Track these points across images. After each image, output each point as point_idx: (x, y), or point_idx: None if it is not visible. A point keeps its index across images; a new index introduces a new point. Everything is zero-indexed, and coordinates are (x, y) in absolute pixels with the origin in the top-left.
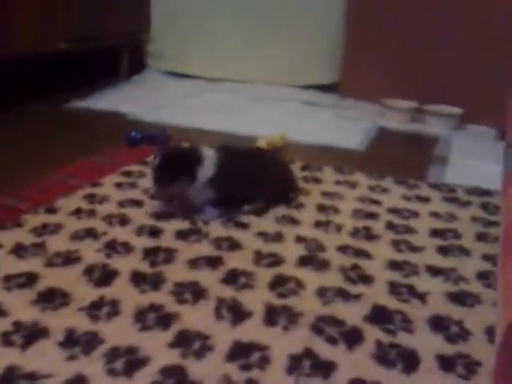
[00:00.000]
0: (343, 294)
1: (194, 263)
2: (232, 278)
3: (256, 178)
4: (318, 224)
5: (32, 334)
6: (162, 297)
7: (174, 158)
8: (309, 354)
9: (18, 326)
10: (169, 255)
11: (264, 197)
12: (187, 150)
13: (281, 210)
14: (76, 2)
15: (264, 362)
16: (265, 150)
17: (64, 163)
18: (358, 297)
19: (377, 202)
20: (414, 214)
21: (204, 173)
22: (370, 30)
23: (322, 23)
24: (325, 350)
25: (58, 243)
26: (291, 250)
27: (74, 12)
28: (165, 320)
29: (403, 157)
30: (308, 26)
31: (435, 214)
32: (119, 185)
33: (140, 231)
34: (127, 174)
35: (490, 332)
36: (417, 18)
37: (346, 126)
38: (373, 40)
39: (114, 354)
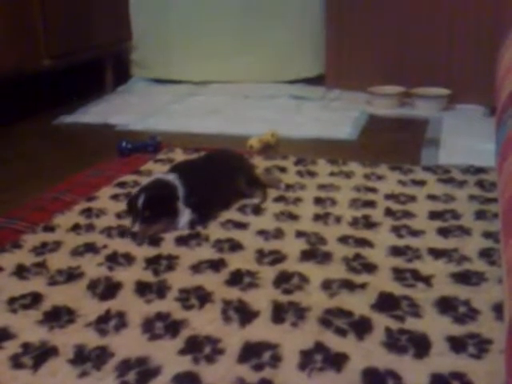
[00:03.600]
0: (348, 285)
1: (196, 268)
2: (236, 278)
3: (221, 180)
4: (317, 217)
5: (42, 354)
6: (168, 304)
7: (156, 198)
8: (320, 347)
9: (26, 347)
10: (171, 262)
11: (236, 193)
12: (164, 186)
13: (278, 207)
14: (56, 19)
15: (276, 360)
16: (218, 150)
17: (57, 179)
18: (363, 286)
19: (373, 190)
20: (412, 199)
21: (181, 204)
22: (350, 19)
23: (302, 17)
24: (335, 343)
25: (59, 261)
26: (292, 246)
27: (55, 28)
28: (173, 327)
29: (395, 142)
30: (289, 22)
31: (432, 197)
32: (115, 196)
33: (140, 241)
34: (122, 184)
35: (497, 309)
36: (396, 1)
37: (335, 117)
38: (354, 28)
39: (125, 366)
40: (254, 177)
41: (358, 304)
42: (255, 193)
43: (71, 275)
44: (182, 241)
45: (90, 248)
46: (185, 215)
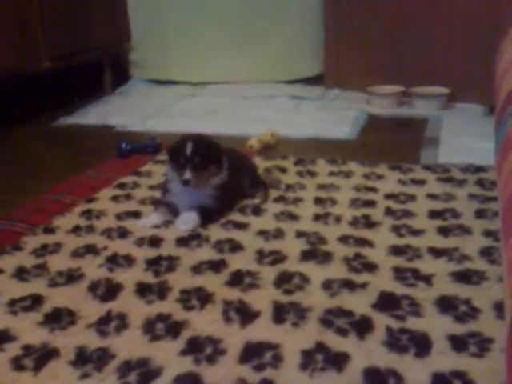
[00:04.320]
0: (349, 285)
1: (197, 269)
2: (237, 279)
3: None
4: (317, 217)
5: (43, 356)
6: (169, 305)
7: (204, 145)
8: (321, 347)
9: (27, 349)
10: (171, 263)
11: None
12: (209, 137)
13: (278, 207)
14: (55, 20)
15: (277, 360)
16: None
17: (57, 181)
18: (363, 286)
19: (373, 190)
20: (412, 198)
21: (225, 164)
22: (348, 19)
23: (301, 17)
24: (336, 342)
25: (59, 262)
26: (293, 246)
27: (54, 30)
28: (174, 328)
29: (394, 141)
30: (288, 22)
31: (432, 196)
32: (115, 198)
33: (140, 242)
34: (122, 186)
35: (498, 308)
36: (395, 0)
37: (334, 116)
38: (352, 28)
39: (126, 367)
40: (257, 177)
41: (359, 304)
42: (257, 193)
43: (72, 277)
44: (182, 242)
45: (91, 249)
46: (191, 218)
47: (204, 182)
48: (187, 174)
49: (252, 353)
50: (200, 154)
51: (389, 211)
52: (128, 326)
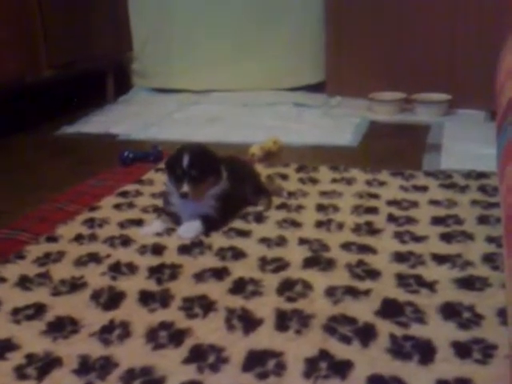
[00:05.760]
0: (352, 292)
1: (200, 276)
2: (239, 287)
3: (231, 188)
4: (320, 224)
5: (46, 365)
6: (172, 313)
7: (200, 156)
8: (324, 355)
9: (30, 358)
10: (174, 271)
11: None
12: (205, 147)
13: (281, 214)
14: (57, 29)
15: (280, 368)
16: (224, 158)
17: (60, 190)
18: (367, 293)
19: (375, 196)
20: (414, 204)
21: (224, 173)
22: (349, 26)
23: (302, 25)
24: (340, 350)
25: (62, 271)
26: (295, 253)
27: (56, 39)
28: (177, 337)
29: (396, 148)
30: (289, 29)
31: (435, 202)
32: (117, 206)
33: (143, 250)
34: (124, 194)
35: (502, 314)
36: (395, 7)
37: (336, 123)
38: (354, 35)
39: (129, 376)
40: (260, 184)
41: (362, 311)
42: (260, 200)
43: (74, 285)
44: (184, 249)
45: (93, 258)
46: (194, 227)
47: (202, 193)
48: (185, 188)
49: (255, 361)
50: (197, 167)
51: (391, 218)
52: (131, 334)
